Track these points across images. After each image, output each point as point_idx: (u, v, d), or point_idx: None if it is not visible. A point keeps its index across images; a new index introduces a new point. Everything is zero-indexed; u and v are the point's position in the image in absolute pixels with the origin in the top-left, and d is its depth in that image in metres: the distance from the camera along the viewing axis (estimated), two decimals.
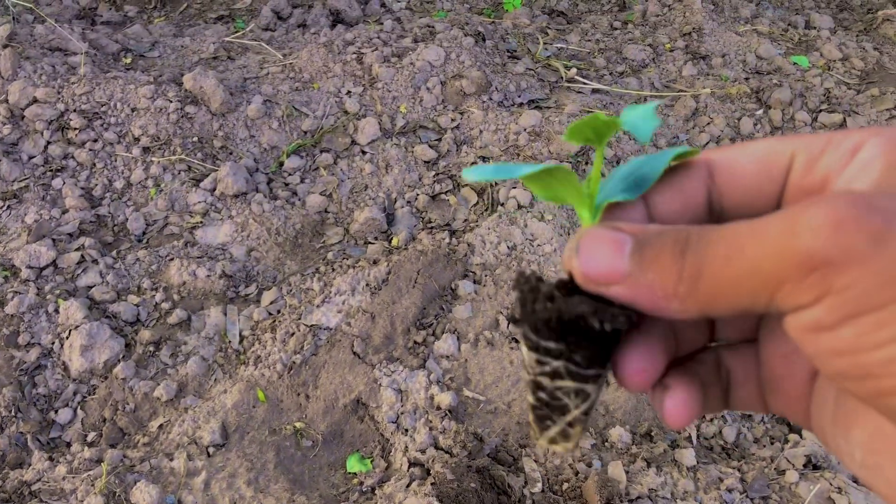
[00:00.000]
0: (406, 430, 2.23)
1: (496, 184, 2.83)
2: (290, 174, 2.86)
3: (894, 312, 0.46)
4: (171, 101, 2.93)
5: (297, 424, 2.26)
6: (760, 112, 3.29)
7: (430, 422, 2.22)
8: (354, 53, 3.30)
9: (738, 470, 2.13)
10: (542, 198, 0.64)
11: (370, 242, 2.68)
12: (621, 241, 0.58)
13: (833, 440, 0.57)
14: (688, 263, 0.55)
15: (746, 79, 3.46)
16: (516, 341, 2.15)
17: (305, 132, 3.00)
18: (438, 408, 2.26)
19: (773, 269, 0.49)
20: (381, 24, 3.53)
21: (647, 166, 0.63)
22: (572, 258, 0.61)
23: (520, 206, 2.74)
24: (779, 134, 3.23)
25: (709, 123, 3.25)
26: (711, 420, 2.27)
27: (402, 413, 2.26)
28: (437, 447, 2.17)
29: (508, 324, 0.56)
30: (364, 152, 2.95)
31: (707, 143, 3.20)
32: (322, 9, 3.58)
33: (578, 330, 0.58)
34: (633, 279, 0.57)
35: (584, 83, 3.38)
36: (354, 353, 2.38)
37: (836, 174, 0.58)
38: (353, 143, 2.99)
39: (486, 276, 2.55)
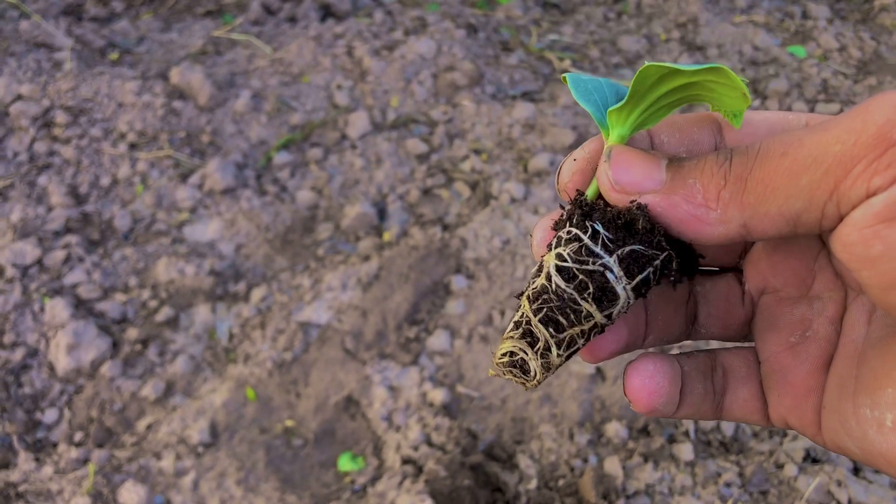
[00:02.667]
0: (398, 428, 2.19)
1: (489, 177, 2.79)
2: (279, 169, 2.82)
3: None
4: (157, 97, 2.89)
5: (288, 423, 2.22)
6: (757, 103, 3.25)
7: (423, 419, 2.18)
8: (344, 47, 3.25)
9: (737, 464, 2.10)
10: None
11: (361, 238, 2.64)
12: (657, 157, 0.56)
13: (854, 416, 0.53)
14: (735, 164, 0.50)
15: (742, 69, 3.42)
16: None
17: (295, 127, 2.95)
18: (431, 404, 2.22)
19: (840, 152, 0.44)
20: (372, 16, 3.49)
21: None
22: (602, 165, 0.57)
23: (513, 200, 2.70)
24: None
25: None
26: None
27: (394, 410, 2.22)
28: (430, 444, 2.14)
29: (573, 215, 0.52)
30: (355, 146, 2.91)
31: None
32: (312, 2, 3.54)
33: (637, 231, 0.56)
34: (670, 186, 0.53)
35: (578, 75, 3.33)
36: (346, 350, 2.34)
37: None
38: (344, 137, 2.95)
39: (479, 270, 2.51)
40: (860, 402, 0.52)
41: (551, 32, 3.60)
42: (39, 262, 2.48)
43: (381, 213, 2.71)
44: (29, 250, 2.47)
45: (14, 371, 2.28)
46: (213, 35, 3.38)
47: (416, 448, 2.12)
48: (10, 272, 2.43)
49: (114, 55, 3.18)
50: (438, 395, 2.22)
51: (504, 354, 0.60)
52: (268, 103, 2.98)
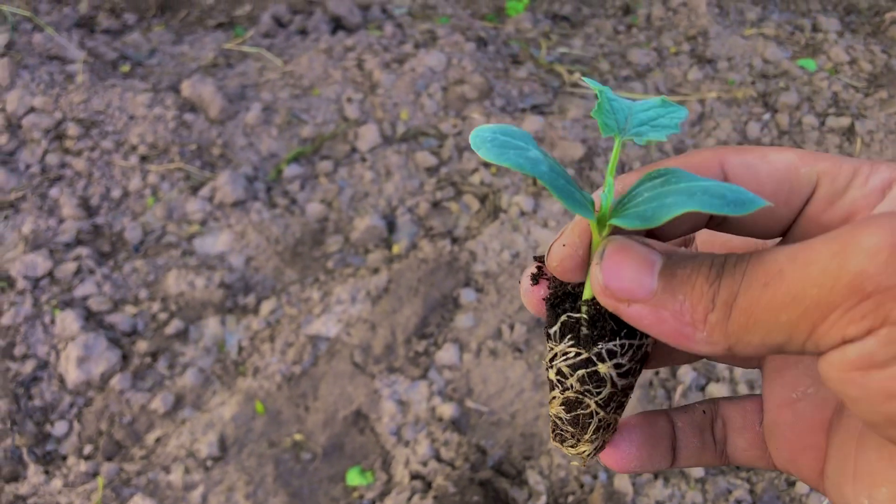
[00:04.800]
0: (407, 442, 2.18)
1: (499, 190, 2.79)
2: (289, 182, 2.83)
3: None
4: (168, 109, 2.90)
5: (297, 437, 2.22)
6: (767, 116, 3.25)
7: (432, 433, 2.18)
8: (355, 59, 3.27)
9: (748, 481, 2.08)
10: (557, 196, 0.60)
11: (370, 251, 2.64)
12: (651, 259, 0.54)
13: (855, 498, 0.53)
14: (723, 287, 0.49)
15: (753, 82, 3.41)
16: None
17: (305, 139, 2.96)
18: (440, 419, 2.22)
19: (818, 295, 0.43)
20: (382, 29, 3.50)
21: (659, 202, 0.56)
22: (594, 267, 0.56)
23: (523, 213, 2.70)
24: (786, 138, 3.18)
25: (715, 128, 3.21)
26: None
27: (403, 425, 2.21)
28: (438, 459, 2.13)
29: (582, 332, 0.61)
30: (364, 159, 2.91)
31: None
32: (323, 15, 3.55)
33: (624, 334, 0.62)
34: (659, 299, 0.53)
35: (588, 88, 3.34)
36: (355, 364, 2.34)
37: (863, 211, 0.54)
38: (354, 150, 2.96)
39: (488, 284, 2.51)
40: (858, 490, 0.53)
41: (561, 45, 3.60)
42: (50, 274, 2.49)
43: (391, 226, 2.72)
44: (40, 262, 2.48)
45: (24, 383, 2.28)
46: (224, 47, 3.40)
47: (424, 463, 2.12)
48: (21, 284, 2.44)
49: (125, 67, 3.20)
50: (447, 410, 2.21)
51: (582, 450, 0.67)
52: (278, 116, 2.99)
